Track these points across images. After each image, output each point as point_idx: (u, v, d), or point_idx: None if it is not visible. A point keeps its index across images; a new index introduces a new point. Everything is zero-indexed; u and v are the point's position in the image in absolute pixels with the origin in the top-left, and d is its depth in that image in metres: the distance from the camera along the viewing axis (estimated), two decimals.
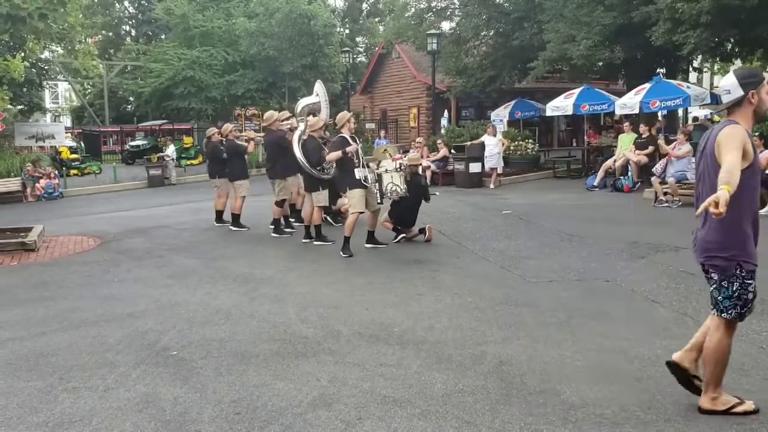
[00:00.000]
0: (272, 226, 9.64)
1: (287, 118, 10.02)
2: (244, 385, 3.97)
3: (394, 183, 8.18)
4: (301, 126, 8.97)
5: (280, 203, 9.47)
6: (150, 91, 27.60)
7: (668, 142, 12.97)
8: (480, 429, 3.34)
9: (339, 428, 3.38)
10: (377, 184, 8.18)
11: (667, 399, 3.62)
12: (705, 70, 26.20)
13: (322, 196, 8.64)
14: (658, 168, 11.89)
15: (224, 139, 10.45)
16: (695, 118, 20.87)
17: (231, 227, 10.12)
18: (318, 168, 8.52)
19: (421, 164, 9.66)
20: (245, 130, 20.74)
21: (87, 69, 22.09)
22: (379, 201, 8.19)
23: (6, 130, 20.75)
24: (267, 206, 10.14)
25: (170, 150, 22.07)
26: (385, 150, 8.93)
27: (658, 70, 16.93)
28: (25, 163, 17.88)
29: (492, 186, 15.48)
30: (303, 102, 10.01)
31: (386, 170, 8.20)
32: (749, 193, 3.20)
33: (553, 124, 25.32)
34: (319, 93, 9.58)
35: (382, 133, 23.36)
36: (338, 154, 7.96)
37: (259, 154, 19.32)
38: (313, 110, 9.47)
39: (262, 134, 11.83)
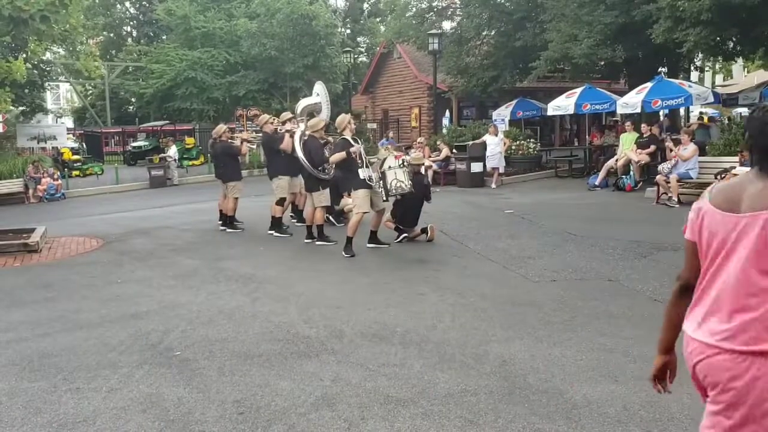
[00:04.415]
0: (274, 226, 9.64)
1: (289, 119, 10.02)
2: (247, 385, 3.97)
3: (399, 179, 8.13)
4: (302, 126, 8.98)
5: (279, 202, 9.48)
6: (151, 92, 27.60)
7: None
8: (483, 428, 3.35)
9: (342, 428, 3.39)
10: (381, 182, 8.17)
11: (669, 398, 3.60)
12: (707, 69, 26.16)
13: (323, 196, 8.65)
14: (665, 167, 11.81)
15: (218, 140, 10.33)
16: (701, 117, 20.85)
17: (227, 229, 10.10)
18: (319, 168, 8.53)
19: (423, 164, 9.65)
20: (247, 130, 20.80)
21: (89, 70, 22.12)
22: (384, 199, 8.19)
23: (8, 131, 20.83)
24: (269, 206, 10.11)
25: (172, 151, 22.10)
26: (387, 148, 8.93)
27: (659, 69, 16.92)
28: (27, 165, 17.91)
29: (494, 185, 15.48)
30: (303, 102, 10.01)
31: (390, 167, 8.18)
32: None
33: (554, 124, 25.31)
34: (319, 93, 9.59)
35: (390, 133, 23.21)
36: (342, 155, 7.97)
37: (260, 155, 19.37)
38: (313, 111, 9.48)
39: (260, 135, 11.77)
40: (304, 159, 8.58)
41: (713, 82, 28.72)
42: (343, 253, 7.85)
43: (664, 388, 2.25)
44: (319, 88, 9.75)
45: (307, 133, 8.71)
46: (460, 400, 3.68)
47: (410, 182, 8.20)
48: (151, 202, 15.87)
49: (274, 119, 9.99)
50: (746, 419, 1.86)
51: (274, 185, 9.51)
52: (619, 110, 15.92)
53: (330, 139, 9.42)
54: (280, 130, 9.57)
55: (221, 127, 10.57)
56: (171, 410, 3.67)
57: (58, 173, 18.80)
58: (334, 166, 8.38)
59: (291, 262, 7.77)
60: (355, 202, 8.15)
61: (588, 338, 4.65)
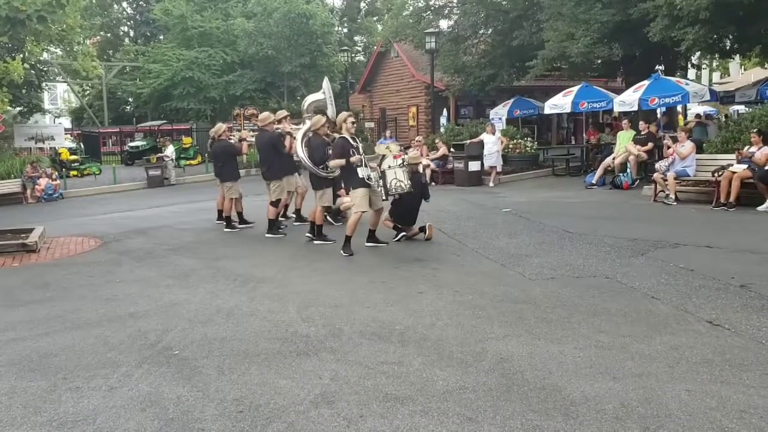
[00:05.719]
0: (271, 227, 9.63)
1: (284, 117, 10.00)
2: (246, 384, 3.99)
3: (398, 179, 8.13)
4: (307, 124, 8.97)
5: (274, 203, 9.47)
6: (149, 91, 27.59)
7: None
8: (481, 425, 3.36)
9: (341, 426, 3.40)
10: (381, 181, 8.17)
11: (667, 394, 3.64)
12: (704, 66, 26.19)
13: (326, 196, 8.66)
14: (662, 165, 11.82)
15: (217, 139, 10.29)
16: (698, 115, 20.87)
17: (225, 228, 10.10)
18: (320, 167, 8.52)
19: (421, 163, 9.66)
20: (244, 129, 20.80)
21: (86, 70, 22.11)
22: (384, 198, 8.19)
23: (6, 131, 20.78)
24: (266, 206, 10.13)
25: (169, 150, 22.09)
26: (387, 147, 8.92)
27: (656, 67, 16.94)
28: (25, 165, 17.90)
29: (491, 184, 15.50)
30: (310, 98, 9.96)
31: (389, 167, 8.18)
32: None
33: (551, 122, 25.35)
34: (325, 91, 9.55)
35: (388, 132, 23.25)
36: (341, 162, 7.97)
37: (256, 154, 19.33)
38: (319, 107, 9.46)
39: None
40: (305, 158, 8.58)
41: (710, 80, 28.77)
42: (342, 252, 7.86)
43: None
44: (325, 84, 9.73)
45: (312, 130, 8.71)
46: (459, 397, 3.70)
47: (409, 182, 8.20)
48: (148, 201, 15.87)
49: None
50: None
51: (273, 186, 9.47)
52: (617, 108, 15.94)
53: (336, 135, 9.36)
54: (282, 130, 9.55)
55: (221, 126, 10.54)
56: (170, 409, 3.68)
57: (56, 173, 18.79)
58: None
59: (289, 261, 7.78)
60: (354, 201, 8.15)
61: (585, 335, 4.67)
